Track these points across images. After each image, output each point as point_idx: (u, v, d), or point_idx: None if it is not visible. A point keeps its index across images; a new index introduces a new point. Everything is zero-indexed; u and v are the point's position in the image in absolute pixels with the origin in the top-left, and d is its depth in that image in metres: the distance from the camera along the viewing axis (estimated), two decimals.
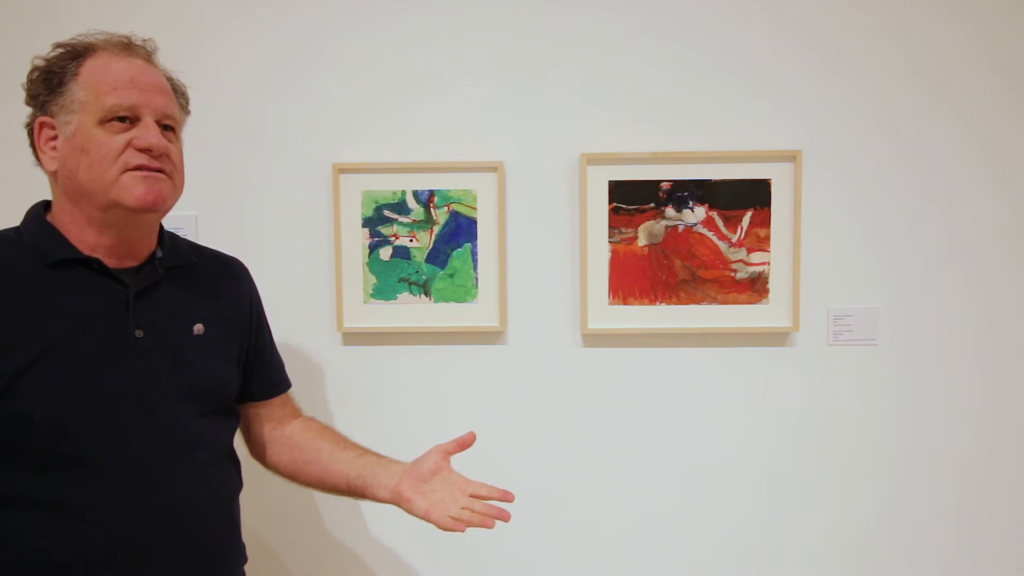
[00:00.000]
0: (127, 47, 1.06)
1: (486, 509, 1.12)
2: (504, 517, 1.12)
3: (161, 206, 1.06)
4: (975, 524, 1.69)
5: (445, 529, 1.11)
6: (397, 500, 1.16)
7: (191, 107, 1.16)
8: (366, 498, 1.21)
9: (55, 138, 1.04)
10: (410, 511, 1.14)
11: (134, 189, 1.02)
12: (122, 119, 1.02)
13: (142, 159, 1.02)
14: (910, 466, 1.67)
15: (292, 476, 1.28)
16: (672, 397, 1.67)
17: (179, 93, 1.14)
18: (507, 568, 1.70)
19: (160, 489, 1.04)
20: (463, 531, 1.10)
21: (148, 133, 1.03)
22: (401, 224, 1.63)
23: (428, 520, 1.12)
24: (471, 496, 1.14)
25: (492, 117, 1.63)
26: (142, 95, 1.03)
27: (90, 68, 1.03)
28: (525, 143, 1.63)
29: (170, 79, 1.12)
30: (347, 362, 1.66)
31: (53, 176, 1.06)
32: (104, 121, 1.01)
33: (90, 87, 1.02)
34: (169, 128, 1.08)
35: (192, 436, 1.09)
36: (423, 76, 1.62)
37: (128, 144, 1.01)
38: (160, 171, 1.04)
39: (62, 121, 1.03)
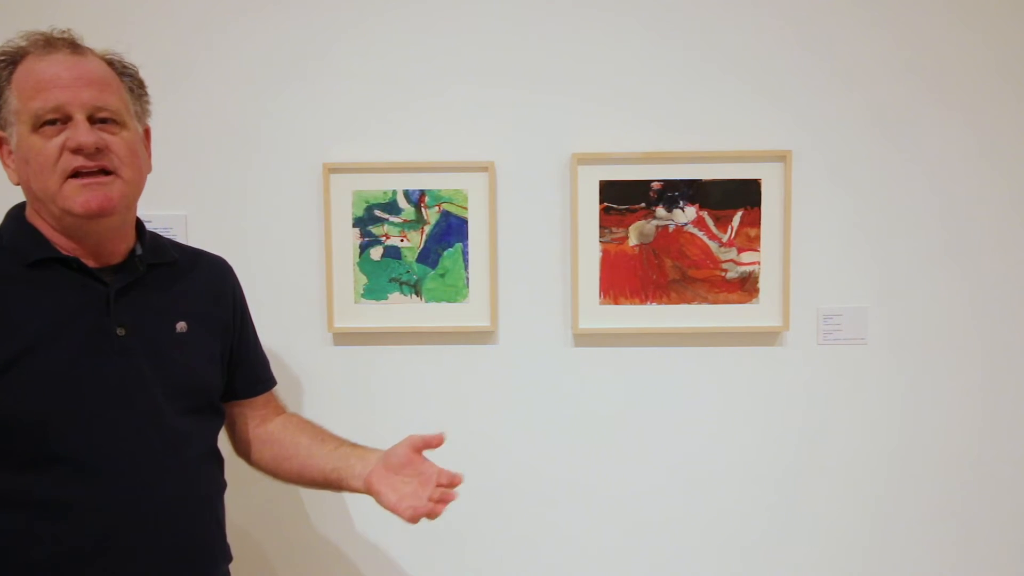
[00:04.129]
0: (48, 44, 1.01)
1: (444, 498, 1.11)
2: (447, 497, 1.11)
3: (111, 209, 1.02)
4: (968, 523, 1.69)
5: (410, 521, 1.10)
6: (368, 491, 1.15)
7: (183, 106, 1.13)
8: (343, 490, 1.20)
9: (12, 152, 1.02)
10: (380, 503, 1.13)
11: (77, 197, 0.99)
12: (53, 122, 0.98)
13: (78, 161, 0.98)
14: (900, 465, 1.68)
15: (274, 473, 1.28)
16: (662, 396, 1.67)
17: (125, 75, 1.08)
18: (495, 569, 1.69)
19: (143, 487, 1.04)
20: (416, 522, 1.10)
21: (77, 132, 0.98)
22: (392, 224, 1.63)
23: (395, 513, 1.11)
24: (438, 486, 1.12)
25: (483, 117, 1.63)
26: (65, 92, 0.98)
27: (18, 75, 1.00)
28: (516, 143, 1.63)
29: (112, 62, 1.07)
30: (338, 362, 1.66)
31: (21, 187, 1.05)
32: (36, 127, 0.98)
33: (20, 94, 0.99)
34: (108, 120, 1.02)
35: (175, 434, 1.08)
36: (414, 76, 1.62)
37: (63, 148, 0.98)
38: (103, 171, 1.00)
39: (9, 133, 1.01)
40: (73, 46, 1.03)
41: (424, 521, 1.07)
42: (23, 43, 1.02)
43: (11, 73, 1.00)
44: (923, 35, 1.62)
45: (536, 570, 1.69)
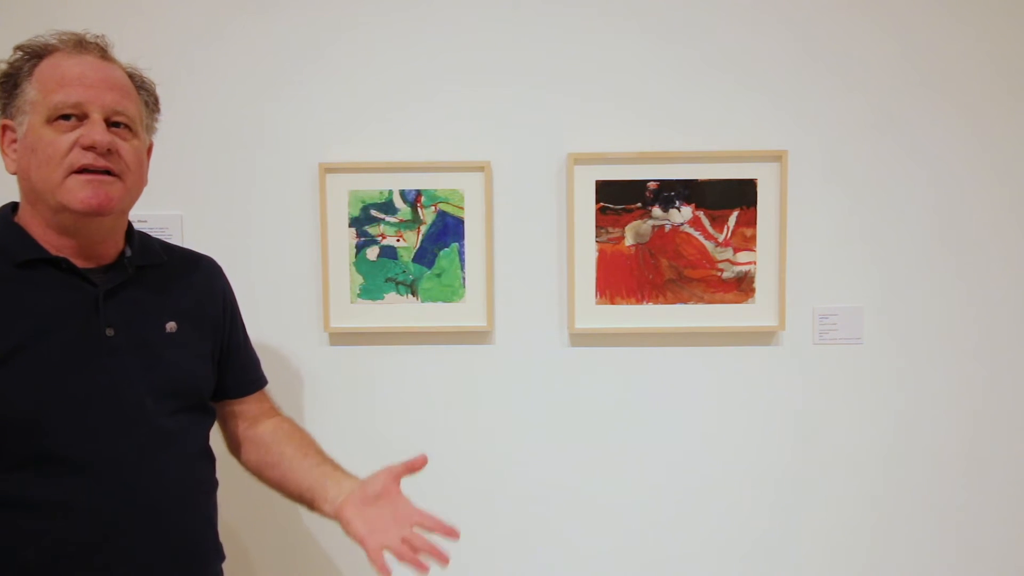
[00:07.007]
0: (79, 44, 1.05)
1: (424, 546, 1.06)
2: (441, 559, 1.05)
3: (109, 210, 1.03)
4: (965, 521, 1.69)
5: (372, 562, 1.03)
6: (338, 519, 1.11)
7: (179, 106, 1.13)
8: (314, 511, 1.17)
9: (16, 140, 1.04)
10: (348, 533, 1.09)
11: (78, 192, 1.00)
12: (68, 117, 1.00)
13: (88, 158, 1.00)
14: (897, 464, 1.68)
15: (258, 476, 1.27)
16: (659, 396, 1.67)
17: (143, 89, 1.12)
18: (489, 569, 1.69)
19: (134, 486, 1.04)
20: (388, 574, 1.03)
21: (92, 130, 1.00)
22: (388, 224, 1.63)
23: (362, 546, 1.06)
24: (416, 527, 1.08)
25: (479, 117, 1.63)
26: (88, 91, 1.01)
27: (42, 68, 1.02)
28: (512, 143, 1.63)
29: (133, 75, 1.10)
30: (334, 362, 1.66)
31: (17, 178, 1.06)
32: (51, 120, 1.00)
33: (41, 87, 1.01)
34: (123, 126, 1.05)
35: (166, 434, 1.08)
36: (410, 76, 1.62)
37: (75, 143, 1.00)
38: (108, 171, 1.02)
39: (18, 122, 1.03)
40: (103, 52, 1.07)
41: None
42: (53, 41, 1.04)
43: (34, 67, 1.03)
44: (920, 35, 1.62)
45: (531, 570, 1.69)
